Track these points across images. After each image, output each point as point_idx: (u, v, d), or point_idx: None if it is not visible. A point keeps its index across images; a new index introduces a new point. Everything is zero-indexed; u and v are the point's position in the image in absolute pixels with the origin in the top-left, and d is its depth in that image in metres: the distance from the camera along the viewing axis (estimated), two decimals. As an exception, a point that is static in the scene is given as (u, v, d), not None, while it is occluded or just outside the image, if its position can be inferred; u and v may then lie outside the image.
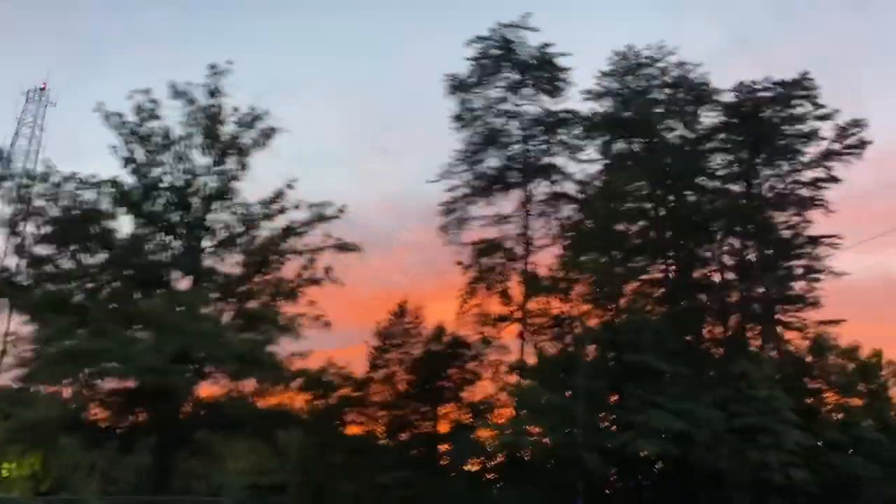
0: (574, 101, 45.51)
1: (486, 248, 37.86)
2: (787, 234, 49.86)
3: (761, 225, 48.67)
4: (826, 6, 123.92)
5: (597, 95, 47.16)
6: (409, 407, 38.47)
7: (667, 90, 47.87)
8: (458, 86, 37.18)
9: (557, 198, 39.20)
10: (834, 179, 46.75)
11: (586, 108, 46.36)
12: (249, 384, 37.89)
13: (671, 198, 47.09)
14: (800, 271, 53.19)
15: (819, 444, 40.76)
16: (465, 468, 34.50)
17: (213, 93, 40.67)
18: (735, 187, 48.36)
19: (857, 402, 47.54)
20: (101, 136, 39.98)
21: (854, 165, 47.47)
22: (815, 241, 47.70)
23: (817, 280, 52.93)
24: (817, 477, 39.38)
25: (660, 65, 48.05)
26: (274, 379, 37.66)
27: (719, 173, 48.44)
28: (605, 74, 47.80)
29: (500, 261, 38.53)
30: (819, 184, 46.86)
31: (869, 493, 41.40)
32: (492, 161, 38.22)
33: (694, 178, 47.06)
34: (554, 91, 38.18)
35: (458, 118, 37.57)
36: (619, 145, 47.22)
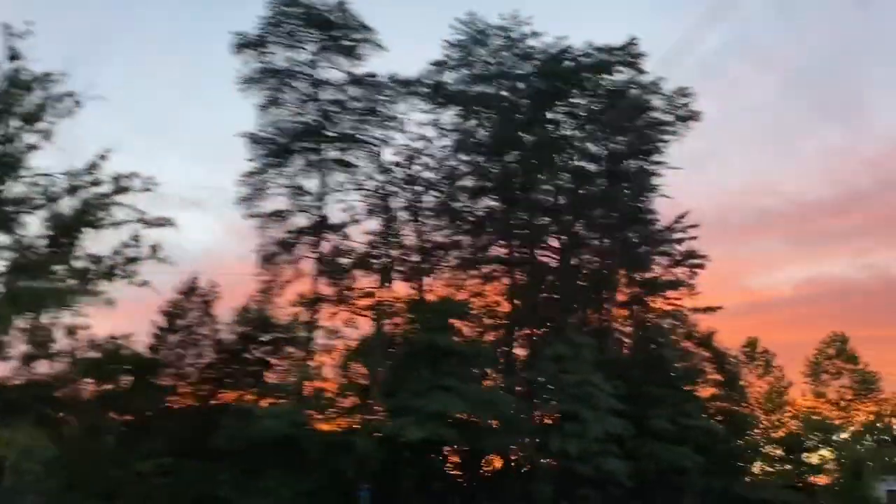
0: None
1: (277, 220, 35.38)
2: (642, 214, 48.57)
3: (613, 204, 46.99)
4: (827, 6, 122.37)
5: (441, 66, 44.96)
6: (198, 389, 36.23)
7: (517, 62, 45.56)
8: (246, 44, 34.51)
9: (362, 169, 36.71)
10: (658, 150, 44.71)
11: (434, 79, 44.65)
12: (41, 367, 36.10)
13: (517, 178, 44.79)
14: (677, 257, 53.04)
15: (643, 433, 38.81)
16: (243, 454, 32.23)
17: (13, 56, 38.28)
18: (587, 165, 46.31)
19: (709, 391, 45.95)
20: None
21: (685, 138, 45.57)
22: (641, 218, 45.85)
23: (699, 266, 52.85)
24: (641, 467, 37.70)
25: (513, 35, 45.82)
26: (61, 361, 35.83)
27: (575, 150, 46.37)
28: (451, 45, 45.60)
29: (294, 235, 36.01)
30: (647, 157, 44.87)
31: (695, 485, 39.51)
32: (286, 127, 35.51)
33: (544, 154, 44.75)
34: (352, 53, 35.61)
35: (248, 80, 34.99)
36: (462, 118, 44.88)
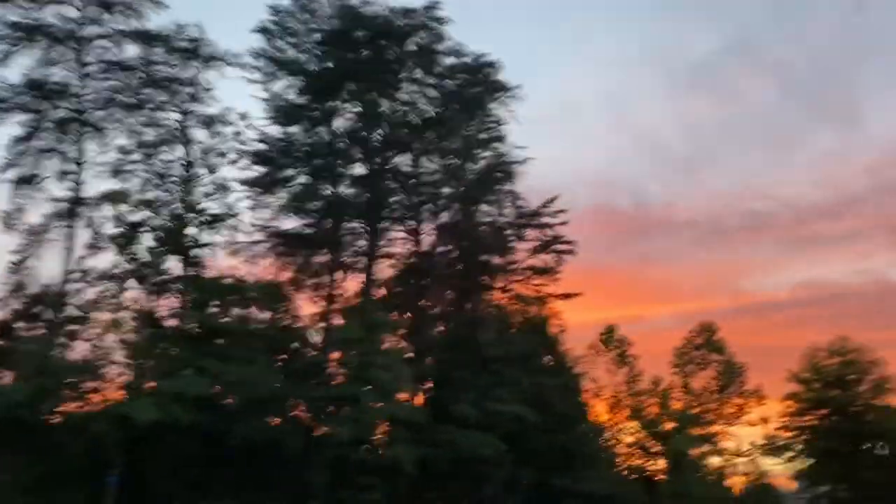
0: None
1: (28, 186, 32.55)
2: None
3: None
4: (825, 10, 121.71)
5: (265, 33, 42.50)
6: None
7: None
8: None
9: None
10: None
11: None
12: None
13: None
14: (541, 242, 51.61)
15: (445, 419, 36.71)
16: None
17: None
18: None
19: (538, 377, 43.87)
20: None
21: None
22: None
23: (568, 252, 51.60)
24: (438, 455, 35.61)
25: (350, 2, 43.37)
26: None
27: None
28: (277, 11, 43.18)
29: (62, 204, 33.31)
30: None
31: (499, 475, 37.38)
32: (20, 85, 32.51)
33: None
34: (126, 10, 32.98)
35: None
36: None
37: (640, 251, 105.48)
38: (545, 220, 50.81)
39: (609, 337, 54.42)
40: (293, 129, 42.61)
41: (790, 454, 48.91)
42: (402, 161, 45.29)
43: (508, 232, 50.43)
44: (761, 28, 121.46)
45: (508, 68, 46.62)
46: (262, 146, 40.76)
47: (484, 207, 49.96)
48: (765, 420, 52.49)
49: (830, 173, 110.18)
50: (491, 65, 44.45)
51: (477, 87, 45.01)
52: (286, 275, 41.74)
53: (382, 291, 46.93)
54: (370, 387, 33.70)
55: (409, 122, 41.63)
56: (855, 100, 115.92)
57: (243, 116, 38.08)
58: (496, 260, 50.32)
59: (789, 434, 49.22)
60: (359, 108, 41.82)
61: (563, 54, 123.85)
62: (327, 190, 42.79)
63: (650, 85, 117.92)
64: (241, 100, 40.96)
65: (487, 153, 48.38)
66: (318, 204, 43.07)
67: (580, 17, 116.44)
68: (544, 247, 51.13)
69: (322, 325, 39.25)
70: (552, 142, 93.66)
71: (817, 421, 48.26)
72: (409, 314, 45.38)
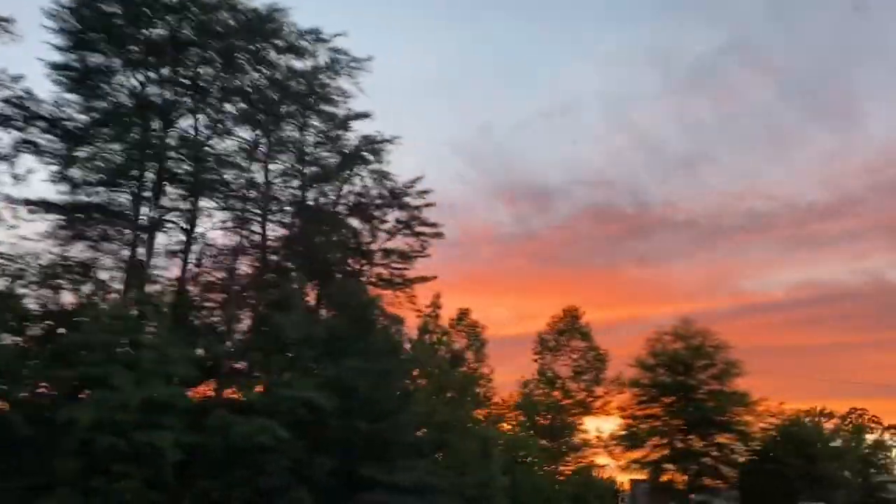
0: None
1: None
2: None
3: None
4: (824, 11, 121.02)
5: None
6: None
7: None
8: None
9: None
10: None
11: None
12: None
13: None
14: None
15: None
16: None
17: None
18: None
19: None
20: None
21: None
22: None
23: (427, 235, 50.31)
24: (209, 442, 33.46)
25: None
26: None
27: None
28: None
29: None
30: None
31: (281, 463, 35.05)
32: None
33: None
34: None
35: None
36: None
37: (640, 251, 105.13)
38: (409, 200, 49.46)
39: (459, 321, 52.42)
40: (80, 93, 39.66)
41: (633, 443, 47.34)
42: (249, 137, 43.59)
43: (371, 213, 48.97)
44: (761, 28, 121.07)
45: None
46: (53, 112, 38.18)
47: (345, 188, 48.54)
48: (622, 409, 50.75)
49: (830, 173, 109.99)
50: (318, 32, 42.92)
51: (305, 54, 43.37)
52: (84, 253, 39.40)
53: (208, 273, 44.90)
54: (125, 368, 31.55)
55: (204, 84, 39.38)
56: (855, 100, 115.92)
57: (16, 79, 35.58)
58: (349, 243, 48.86)
59: (634, 422, 47.64)
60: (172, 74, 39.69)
61: (563, 54, 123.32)
62: (134, 162, 40.38)
63: (650, 85, 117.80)
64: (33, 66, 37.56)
65: (350, 133, 46.76)
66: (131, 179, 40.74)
67: (580, 17, 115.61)
68: (404, 226, 49.73)
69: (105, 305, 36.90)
70: (552, 141, 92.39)
71: (661, 408, 46.66)
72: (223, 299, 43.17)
